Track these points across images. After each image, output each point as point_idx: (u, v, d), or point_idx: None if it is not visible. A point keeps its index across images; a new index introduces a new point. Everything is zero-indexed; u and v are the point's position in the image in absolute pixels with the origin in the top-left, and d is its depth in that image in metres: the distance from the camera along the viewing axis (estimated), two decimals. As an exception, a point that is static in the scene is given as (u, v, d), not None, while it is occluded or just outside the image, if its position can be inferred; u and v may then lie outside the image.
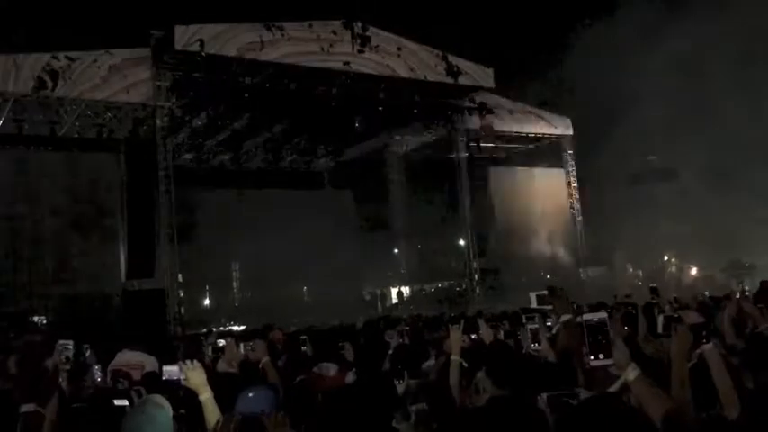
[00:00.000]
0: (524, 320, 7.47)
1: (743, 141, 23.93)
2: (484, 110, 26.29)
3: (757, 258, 26.46)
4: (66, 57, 19.20)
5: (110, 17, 25.98)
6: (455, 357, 4.83)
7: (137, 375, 5.67)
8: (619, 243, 29.32)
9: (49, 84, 18.90)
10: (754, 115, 23.26)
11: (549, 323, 6.38)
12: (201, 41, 19.61)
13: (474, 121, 26.68)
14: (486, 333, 5.80)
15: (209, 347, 7.21)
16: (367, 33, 22.62)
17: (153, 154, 20.47)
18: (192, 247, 22.45)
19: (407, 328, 9.70)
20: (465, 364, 4.78)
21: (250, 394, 3.63)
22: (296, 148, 28.84)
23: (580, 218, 29.55)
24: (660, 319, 4.36)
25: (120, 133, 20.96)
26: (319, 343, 7.21)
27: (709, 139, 23.83)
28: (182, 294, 20.55)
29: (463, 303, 25.22)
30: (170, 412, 3.18)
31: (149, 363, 5.98)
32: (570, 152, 30.05)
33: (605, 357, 2.89)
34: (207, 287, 28.58)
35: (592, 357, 2.92)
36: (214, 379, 3.96)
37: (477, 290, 26.11)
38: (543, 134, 29.41)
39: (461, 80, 24.75)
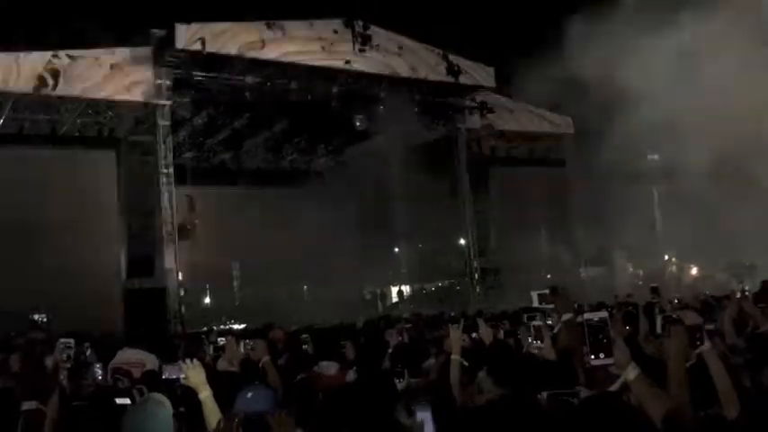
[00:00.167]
0: (526, 319, 7.48)
1: (745, 140, 23.89)
2: (485, 109, 26.30)
3: (758, 258, 26.43)
4: (68, 55, 19.22)
5: (111, 16, 25.97)
6: (455, 356, 4.83)
7: (137, 373, 5.66)
8: (619, 243, 29.31)
9: (51, 82, 18.92)
10: (757, 114, 23.23)
11: (550, 322, 6.38)
12: (203, 40, 19.62)
13: (475, 121, 26.68)
14: (485, 332, 5.80)
15: (211, 346, 7.21)
16: (368, 32, 22.62)
17: (154, 152, 20.51)
18: (193, 245, 22.45)
19: (408, 326, 9.69)
20: (465, 363, 4.78)
21: (249, 394, 3.63)
22: (296, 146, 28.85)
23: (581, 217, 29.52)
24: (659, 319, 4.36)
25: (121, 132, 20.98)
26: (320, 342, 7.21)
27: (711, 138, 23.79)
28: (182, 293, 20.57)
29: (463, 303, 25.22)
30: (170, 410, 3.19)
31: (150, 361, 5.98)
32: (571, 151, 30.01)
33: (606, 357, 2.89)
34: (207, 286, 28.59)
35: (592, 357, 2.92)
36: (214, 378, 3.96)
37: (478, 289, 26.11)
38: (544, 133, 29.38)
39: (462, 79, 24.76)
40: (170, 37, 19.64)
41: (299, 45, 21.50)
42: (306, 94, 22.62)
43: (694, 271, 31.21)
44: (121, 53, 19.98)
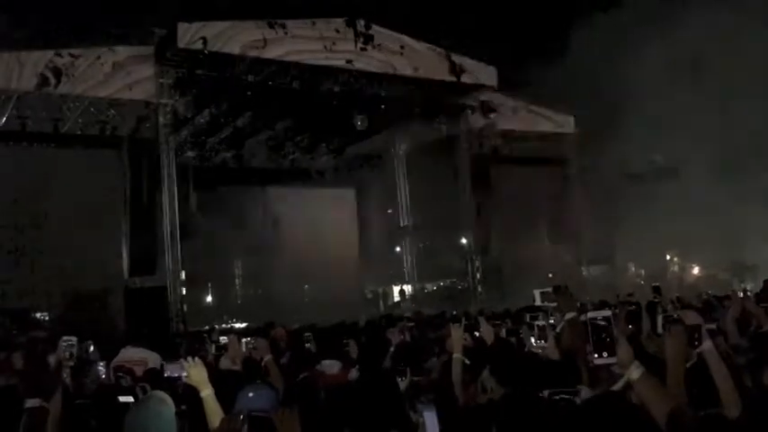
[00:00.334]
0: (528, 319, 7.48)
1: (747, 139, 23.89)
2: (487, 108, 26.28)
3: (760, 258, 26.42)
4: (70, 54, 19.23)
5: (113, 14, 26.00)
6: (457, 355, 4.83)
7: (139, 372, 5.67)
8: (621, 242, 29.29)
9: (53, 81, 18.93)
10: (760, 112, 23.21)
11: (552, 321, 6.38)
12: (204, 39, 19.62)
13: (477, 120, 26.66)
14: (486, 331, 5.80)
15: (213, 345, 7.21)
16: (370, 31, 22.61)
17: (156, 151, 20.52)
18: (195, 244, 22.47)
19: (410, 325, 9.70)
20: (467, 362, 4.79)
21: (250, 394, 3.64)
22: (298, 145, 28.83)
23: (583, 216, 29.50)
24: (660, 318, 4.35)
25: (123, 130, 20.97)
26: (323, 340, 7.21)
27: (713, 137, 23.80)
28: (184, 292, 20.57)
29: (465, 302, 25.22)
30: (173, 408, 3.19)
31: (152, 359, 5.98)
32: (573, 150, 30.00)
33: (609, 356, 2.89)
34: (209, 284, 28.63)
35: (596, 355, 2.91)
36: (216, 376, 3.97)
37: (480, 288, 26.10)
38: (546, 132, 29.37)
39: (464, 79, 24.74)
40: (172, 36, 19.65)
41: (300, 44, 21.49)
42: (308, 94, 22.61)
43: (696, 270, 31.20)
44: (123, 52, 19.98)
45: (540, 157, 30.15)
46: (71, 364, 4.83)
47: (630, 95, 24.92)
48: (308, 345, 7.20)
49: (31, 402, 2.80)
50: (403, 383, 4.70)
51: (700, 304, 9.67)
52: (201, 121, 24.02)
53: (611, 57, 24.73)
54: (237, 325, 22.13)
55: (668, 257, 32.18)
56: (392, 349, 6.45)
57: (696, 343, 3.28)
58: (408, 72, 23.50)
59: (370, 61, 22.70)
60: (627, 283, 26.62)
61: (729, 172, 24.48)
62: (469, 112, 26.36)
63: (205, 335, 11.80)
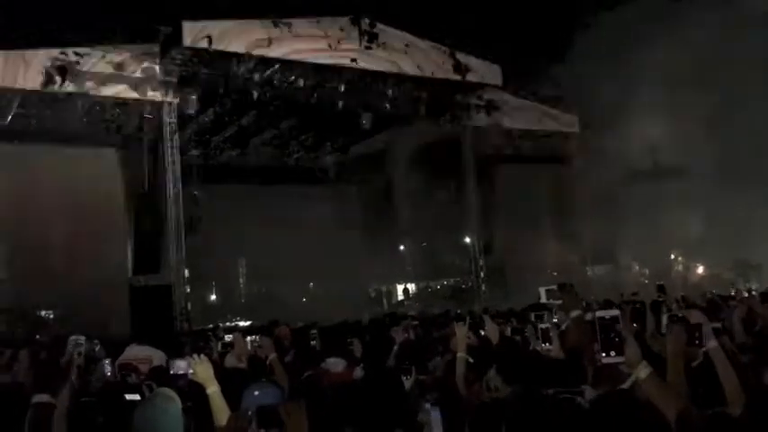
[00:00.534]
0: (533, 318, 7.47)
1: (752, 138, 23.83)
2: (491, 107, 26.27)
3: (764, 257, 26.36)
4: (75, 52, 19.25)
5: (118, 13, 26.05)
6: (461, 354, 4.84)
7: (145, 369, 5.69)
8: (625, 241, 29.24)
9: (57, 79, 18.95)
10: (766, 111, 23.14)
11: (555, 319, 6.38)
12: (209, 38, 19.63)
13: (481, 119, 26.65)
14: (491, 329, 5.80)
15: (218, 343, 7.23)
16: (374, 30, 22.60)
17: (160, 150, 20.55)
18: (199, 242, 22.50)
19: (415, 323, 9.71)
20: (471, 360, 4.79)
21: (256, 392, 3.65)
22: (302, 144, 28.87)
23: (587, 215, 29.46)
24: (665, 317, 4.35)
25: (128, 129, 21.02)
26: (327, 338, 7.22)
27: (718, 135, 23.75)
28: (188, 290, 20.59)
29: (469, 301, 25.23)
30: (180, 405, 3.21)
31: (157, 357, 6.01)
32: (577, 149, 29.95)
33: (617, 355, 2.89)
34: (213, 283, 28.67)
35: (603, 354, 2.91)
36: (222, 374, 3.98)
37: (483, 287, 26.09)
38: (550, 131, 29.33)
39: (469, 77, 24.72)
40: (177, 34, 19.66)
41: (305, 43, 21.49)
42: (312, 92, 22.62)
43: (700, 270, 31.15)
44: (128, 50, 19.99)
45: (545, 155, 30.12)
46: (80, 362, 4.84)
47: (635, 94, 24.87)
48: (313, 343, 7.21)
49: (38, 398, 2.83)
50: (408, 382, 4.70)
51: (704, 304, 9.65)
52: (206, 119, 24.07)
53: (616, 55, 24.68)
54: (241, 323, 22.15)
55: (672, 257, 32.13)
56: (396, 348, 6.46)
57: (697, 342, 3.29)
58: (413, 71, 23.50)
59: (374, 60, 22.69)
60: (631, 283, 26.60)
61: (734, 171, 24.43)
62: (474, 110, 26.34)
63: (210, 333, 11.82)
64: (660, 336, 4.96)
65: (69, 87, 19.24)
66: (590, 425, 2.35)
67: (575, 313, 4.13)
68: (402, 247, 31.91)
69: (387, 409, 3.65)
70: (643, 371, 2.78)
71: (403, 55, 23.29)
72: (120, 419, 3.27)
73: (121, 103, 20.55)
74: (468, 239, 27.26)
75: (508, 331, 6.76)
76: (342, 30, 22.17)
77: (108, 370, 5.69)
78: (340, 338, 7.13)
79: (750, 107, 23.38)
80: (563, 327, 4.76)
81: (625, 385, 2.83)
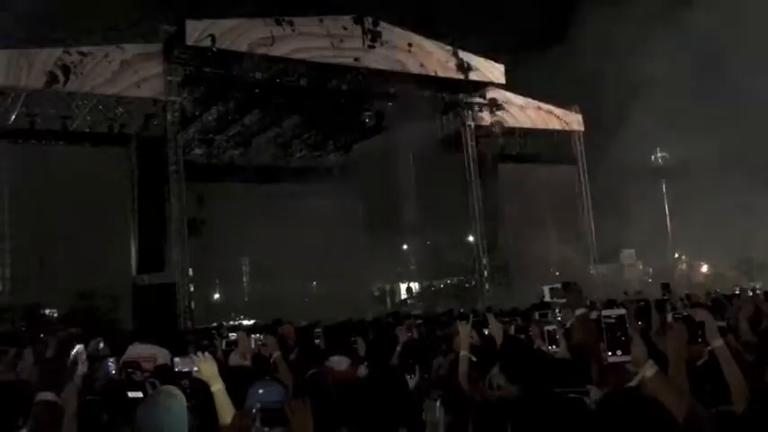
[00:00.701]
0: (537, 316, 7.46)
1: (756, 137, 23.78)
2: (494, 105, 26.26)
3: (768, 256, 26.35)
4: (78, 52, 19.30)
5: (121, 12, 26.04)
6: (464, 353, 4.83)
7: (149, 367, 5.70)
8: (629, 240, 29.21)
9: (61, 78, 19.01)
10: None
11: (559, 318, 6.36)
12: (212, 37, 19.67)
13: (484, 117, 26.63)
14: (495, 328, 5.79)
15: (223, 341, 7.24)
16: (377, 29, 22.61)
17: (163, 149, 20.57)
18: (202, 241, 22.55)
19: (419, 322, 9.70)
20: (474, 359, 4.78)
21: (260, 390, 3.65)
22: (306, 143, 28.90)
23: (590, 214, 29.45)
24: (669, 316, 4.34)
25: (131, 128, 21.04)
26: (331, 337, 7.22)
27: (722, 135, 23.70)
28: (192, 289, 20.63)
29: (473, 299, 25.20)
30: (184, 403, 3.20)
31: (161, 355, 6.02)
32: (581, 148, 29.94)
33: (623, 353, 2.88)
34: (217, 281, 28.69)
35: (609, 353, 2.91)
36: (226, 372, 3.98)
37: (487, 286, 26.07)
38: (554, 130, 29.31)
39: (472, 76, 24.73)
40: (180, 33, 19.71)
41: (308, 41, 21.50)
42: (315, 91, 22.63)
43: (704, 268, 31.09)
44: (131, 49, 20.04)
45: (548, 154, 30.09)
46: (83, 370, 4.86)
47: (639, 92, 24.84)
48: (317, 341, 7.21)
49: (43, 395, 2.84)
50: (412, 381, 4.70)
51: (709, 302, 9.63)
52: (209, 118, 24.10)
53: (619, 52, 24.65)
54: (245, 322, 22.15)
55: (676, 255, 32.09)
56: (399, 347, 6.44)
57: (700, 340, 3.28)
58: (416, 69, 23.49)
59: (377, 59, 22.69)
60: (634, 282, 26.57)
61: (738, 170, 24.39)
62: (477, 109, 26.32)
63: (214, 331, 11.84)
64: (665, 334, 4.94)
65: (73, 86, 19.30)
66: (599, 424, 2.34)
67: (579, 311, 4.12)
68: (405, 246, 31.90)
69: (390, 407, 3.65)
70: (649, 370, 2.78)
71: (406, 53, 23.29)
72: (124, 417, 3.27)
73: (125, 102, 20.59)
74: (471, 238, 27.24)
75: (512, 330, 6.74)
76: (345, 28, 22.19)
77: (112, 368, 5.70)
78: (344, 337, 7.12)
79: (757, 105, 23.33)
80: (567, 325, 4.75)
81: (631, 384, 2.82)
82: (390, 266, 30.57)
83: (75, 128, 20.92)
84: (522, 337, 6.16)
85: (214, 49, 19.76)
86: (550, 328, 5.15)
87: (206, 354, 3.84)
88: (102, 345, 7.52)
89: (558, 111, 28.93)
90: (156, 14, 21.19)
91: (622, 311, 3.02)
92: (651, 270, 30.73)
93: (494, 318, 6.41)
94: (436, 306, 23.38)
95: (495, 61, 25.49)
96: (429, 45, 23.99)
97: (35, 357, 5.39)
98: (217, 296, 29.06)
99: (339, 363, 5.76)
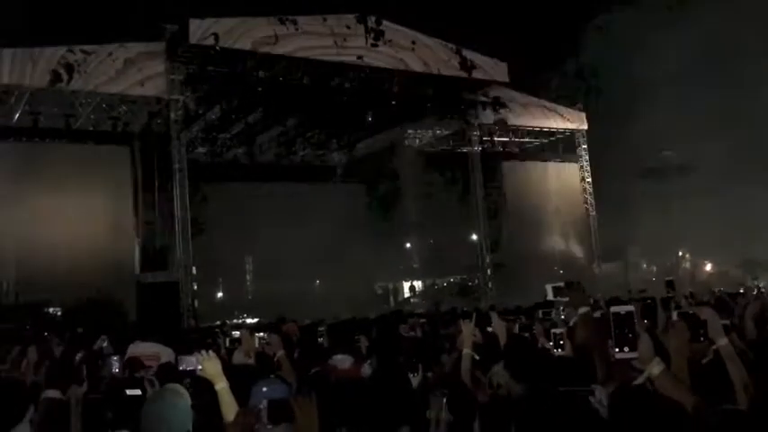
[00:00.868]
0: (541, 315, 7.45)
1: (760, 136, 23.73)
2: (498, 104, 26.24)
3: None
4: (82, 50, 19.34)
5: (124, 11, 26.10)
6: (467, 351, 4.83)
7: (153, 366, 5.70)
8: (633, 238, 29.17)
9: (65, 77, 19.04)
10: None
11: (562, 316, 6.35)
12: (216, 35, 19.67)
13: (488, 116, 26.62)
14: (498, 326, 5.78)
15: (226, 339, 7.25)
16: (381, 27, 22.61)
17: (167, 147, 20.60)
18: (206, 240, 22.55)
19: (423, 321, 9.70)
20: (477, 358, 4.78)
21: (264, 388, 3.66)
22: (309, 141, 28.86)
23: (594, 213, 29.43)
24: (674, 314, 4.32)
25: (135, 126, 21.08)
26: (335, 335, 7.22)
27: (726, 134, 23.66)
28: (195, 287, 20.66)
29: (476, 298, 25.20)
30: (189, 401, 3.21)
31: (165, 353, 6.02)
32: (584, 146, 29.91)
33: (630, 350, 2.88)
34: (220, 280, 28.71)
35: (617, 350, 2.90)
36: (230, 370, 3.98)
37: (490, 285, 26.06)
38: (557, 128, 29.29)
39: (475, 74, 24.70)
40: (183, 32, 19.71)
41: (311, 40, 21.51)
42: (318, 89, 22.63)
43: (708, 267, 31.06)
44: (135, 48, 20.07)
45: (551, 152, 30.08)
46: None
47: (644, 92, 24.80)
48: (320, 339, 7.21)
49: (51, 392, 2.86)
50: (415, 379, 4.70)
51: (713, 300, 9.62)
52: (212, 117, 24.09)
53: (625, 51, 24.62)
54: (249, 320, 22.18)
55: (680, 254, 32.05)
56: (404, 345, 6.45)
57: (704, 338, 3.27)
58: (419, 68, 23.48)
59: (380, 57, 22.68)
60: (638, 280, 26.54)
61: (742, 168, 24.34)
62: (480, 107, 26.30)
63: (217, 330, 11.85)
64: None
65: (77, 85, 19.33)
66: (612, 420, 2.34)
67: (583, 309, 4.11)
68: (408, 245, 31.90)
69: (393, 405, 3.65)
70: (656, 367, 2.77)
71: (409, 52, 23.28)
72: (128, 415, 3.27)
73: (128, 100, 20.62)
74: (474, 236, 27.23)
75: (516, 328, 6.74)
76: (348, 27, 22.18)
77: (115, 366, 5.70)
78: (347, 335, 7.12)
79: (761, 102, 23.26)
80: (571, 323, 4.74)
81: (637, 382, 2.82)
82: (394, 265, 30.57)
83: (78, 126, 20.98)
84: (527, 335, 6.16)
85: (217, 47, 19.76)
86: (557, 331, 5.14)
87: (210, 352, 3.85)
88: (105, 343, 7.53)
89: (561, 109, 28.89)
90: (160, 13, 21.25)
91: (631, 308, 3.01)
92: (655, 269, 30.71)
93: (497, 316, 6.41)
94: (439, 304, 23.37)
95: (499, 60, 25.46)
96: (432, 43, 23.97)
97: (39, 355, 5.40)
98: (220, 294, 29.08)
99: (342, 361, 5.76)
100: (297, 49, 21.24)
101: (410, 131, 28.99)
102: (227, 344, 6.89)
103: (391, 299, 30.20)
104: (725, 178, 24.34)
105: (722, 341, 3.29)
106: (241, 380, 3.83)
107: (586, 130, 29.85)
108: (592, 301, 5.24)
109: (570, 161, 30.09)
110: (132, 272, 20.46)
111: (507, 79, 25.72)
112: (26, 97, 19.51)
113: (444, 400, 3.46)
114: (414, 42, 23.41)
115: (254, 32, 20.60)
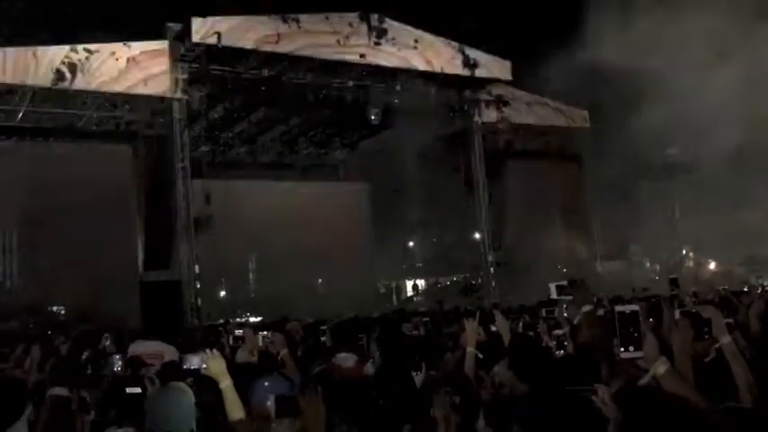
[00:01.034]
0: (544, 313, 7.44)
1: (764, 134, 23.65)
2: (501, 102, 26.21)
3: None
4: (85, 49, 19.36)
5: (127, 10, 26.09)
6: (470, 349, 4.83)
7: (156, 364, 5.70)
8: (636, 237, 29.13)
9: (68, 76, 19.06)
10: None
11: (566, 315, 6.34)
12: (218, 34, 19.68)
13: (491, 114, 26.59)
14: (501, 324, 5.78)
15: (230, 336, 7.25)
16: (383, 26, 22.60)
17: (170, 146, 20.62)
18: (209, 238, 22.56)
19: (425, 319, 9.70)
20: (480, 356, 4.78)
21: (266, 383, 3.68)
22: (311, 140, 28.89)
23: (597, 211, 29.39)
24: (676, 313, 4.32)
25: (138, 126, 21.09)
26: (338, 334, 7.23)
27: (730, 131, 23.58)
28: (198, 286, 20.68)
29: (479, 297, 25.19)
30: (193, 398, 3.23)
31: (169, 352, 6.02)
32: (587, 145, 29.86)
33: (635, 350, 2.87)
34: (223, 279, 28.74)
35: (622, 349, 2.89)
36: (233, 369, 3.99)
37: (493, 283, 26.05)
38: (560, 127, 29.24)
39: (478, 72, 24.68)
40: (186, 30, 19.73)
41: (314, 38, 21.51)
42: (321, 88, 22.64)
43: (712, 265, 31.01)
44: (138, 47, 20.08)
45: (554, 151, 30.03)
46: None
47: (647, 89, 24.72)
48: (323, 338, 7.22)
49: (59, 390, 2.88)
50: (418, 378, 4.70)
51: (717, 299, 9.60)
52: (215, 115, 24.12)
53: (629, 50, 24.52)
54: (252, 319, 22.20)
55: (683, 253, 32.00)
56: (407, 344, 6.45)
57: (707, 337, 3.27)
58: (422, 66, 23.47)
59: (383, 55, 22.68)
60: (641, 279, 26.51)
61: (745, 166, 24.28)
62: (483, 106, 26.28)
63: (220, 328, 11.86)
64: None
65: (80, 84, 19.35)
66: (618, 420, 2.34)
67: (586, 308, 4.11)
68: (411, 243, 31.90)
69: (397, 404, 3.65)
70: (661, 366, 2.77)
71: (412, 50, 23.27)
72: (130, 413, 3.29)
73: (131, 99, 20.62)
74: (477, 235, 27.21)
75: (520, 327, 6.73)
76: (350, 25, 22.17)
77: (117, 365, 5.71)
78: (350, 334, 7.13)
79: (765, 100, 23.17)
80: (575, 322, 4.74)
81: (643, 381, 2.81)
82: (396, 263, 30.59)
83: (81, 126, 20.99)
84: (531, 334, 6.15)
85: (220, 46, 19.77)
86: (559, 332, 5.14)
87: (214, 351, 3.87)
88: (108, 341, 7.55)
89: (564, 107, 28.86)
90: (162, 12, 21.26)
91: (636, 307, 3.00)
92: (658, 267, 30.67)
93: (501, 315, 6.40)
94: (442, 303, 23.38)
95: (501, 58, 25.44)
96: (435, 42, 23.96)
97: (42, 354, 5.42)
98: (223, 293, 29.11)
99: (346, 360, 5.76)
100: (299, 47, 21.24)
101: (412, 130, 28.95)
102: (231, 341, 6.90)
103: (394, 298, 30.22)
104: (729, 176, 24.28)
105: (725, 339, 3.29)
106: (245, 378, 3.84)
107: (589, 128, 29.80)
108: (595, 299, 5.24)
109: (573, 160, 30.04)
110: (136, 271, 20.48)
111: (511, 77, 25.69)
112: (29, 96, 19.53)
113: (457, 399, 3.45)
114: (416, 41, 23.40)
115: (257, 31, 20.61)
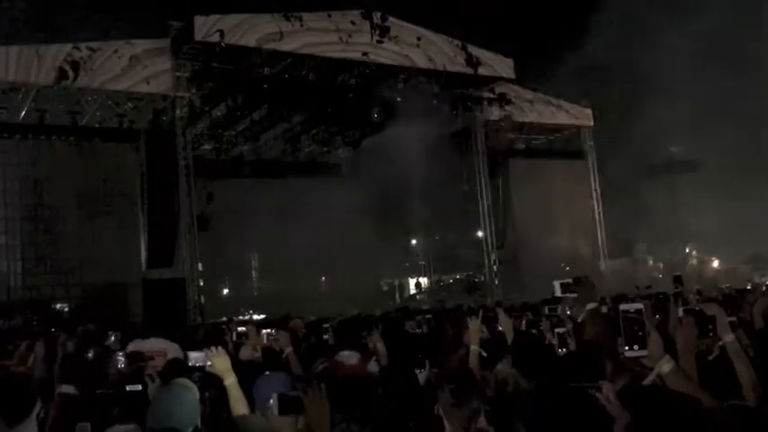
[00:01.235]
0: (547, 311, 7.45)
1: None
2: (504, 100, 26.17)
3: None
4: (88, 47, 19.37)
5: (130, 8, 26.13)
6: (474, 347, 4.83)
7: (160, 362, 5.71)
8: (639, 235, 29.09)
9: (71, 74, 19.07)
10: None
11: (569, 312, 6.34)
12: (221, 32, 19.68)
13: (493, 112, 26.56)
14: (505, 322, 5.78)
15: (233, 333, 7.26)
16: (386, 23, 22.59)
17: (173, 144, 20.62)
18: (211, 236, 22.58)
19: (428, 317, 9.70)
20: (484, 354, 4.79)
21: (270, 380, 3.68)
22: (314, 138, 28.88)
23: (600, 209, 29.35)
24: (680, 310, 4.32)
25: (141, 123, 21.10)
26: (341, 332, 7.23)
27: (733, 130, 23.57)
28: (201, 284, 20.71)
29: (482, 295, 25.18)
30: (197, 395, 3.24)
31: (173, 350, 6.02)
32: (591, 143, 29.82)
33: (640, 348, 2.86)
34: (226, 277, 28.78)
35: (627, 348, 2.89)
36: (237, 366, 4.00)
37: (496, 281, 26.04)
38: (564, 125, 29.20)
39: (481, 70, 24.66)
40: (189, 29, 19.72)
41: (317, 36, 21.50)
42: (324, 86, 22.63)
43: (716, 263, 30.96)
44: (140, 45, 20.09)
45: (558, 149, 30.00)
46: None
47: (651, 88, 24.71)
48: (326, 336, 7.23)
49: (66, 388, 2.89)
50: (422, 375, 4.71)
51: (720, 297, 9.61)
52: (218, 114, 24.11)
53: (631, 45, 24.50)
54: (255, 317, 22.23)
55: (687, 251, 31.96)
56: (408, 342, 6.45)
57: (711, 335, 3.27)
58: (425, 64, 23.45)
59: (386, 53, 22.66)
60: (645, 277, 26.48)
61: (749, 164, 24.26)
62: (486, 104, 26.25)
63: (224, 326, 11.87)
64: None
65: (82, 82, 19.35)
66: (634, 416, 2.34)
67: (591, 306, 4.10)
68: (414, 241, 31.89)
69: (400, 401, 3.65)
70: (666, 365, 2.76)
71: (415, 48, 23.25)
72: (133, 410, 3.30)
73: (134, 97, 20.63)
74: (480, 233, 27.19)
75: (523, 325, 6.74)
76: (353, 23, 22.16)
77: (121, 362, 5.72)
78: (353, 332, 7.13)
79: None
80: (579, 319, 4.73)
81: (647, 380, 2.81)
82: (399, 261, 30.59)
83: (84, 123, 21.01)
84: (534, 332, 6.15)
85: (223, 44, 19.77)
86: (560, 330, 5.13)
87: (219, 348, 3.88)
88: (112, 338, 7.56)
89: (568, 105, 28.81)
90: (165, 10, 21.26)
91: (640, 306, 3.00)
92: (662, 265, 30.63)
93: (504, 313, 6.41)
94: (444, 302, 23.38)
95: (504, 56, 25.40)
96: (438, 40, 23.93)
97: (46, 351, 5.43)
98: (226, 291, 29.16)
99: (349, 357, 5.77)
100: (302, 45, 21.23)
101: (415, 128, 28.92)
102: (234, 338, 6.90)
103: (397, 296, 30.21)
104: (732, 174, 24.25)
105: (728, 337, 3.29)
106: (249, 375, 3.85)
107: (593, 126, 29.76)
108: (600, 298, 5.23)
109: (577, 157, 30.00)
110: (139, 268, 20.50)
111: (513, 75, 25.66)
112: (32, 94, 19.55)
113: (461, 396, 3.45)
114: (419, 38, 23.38)
115: (260, 29, 20.60)
